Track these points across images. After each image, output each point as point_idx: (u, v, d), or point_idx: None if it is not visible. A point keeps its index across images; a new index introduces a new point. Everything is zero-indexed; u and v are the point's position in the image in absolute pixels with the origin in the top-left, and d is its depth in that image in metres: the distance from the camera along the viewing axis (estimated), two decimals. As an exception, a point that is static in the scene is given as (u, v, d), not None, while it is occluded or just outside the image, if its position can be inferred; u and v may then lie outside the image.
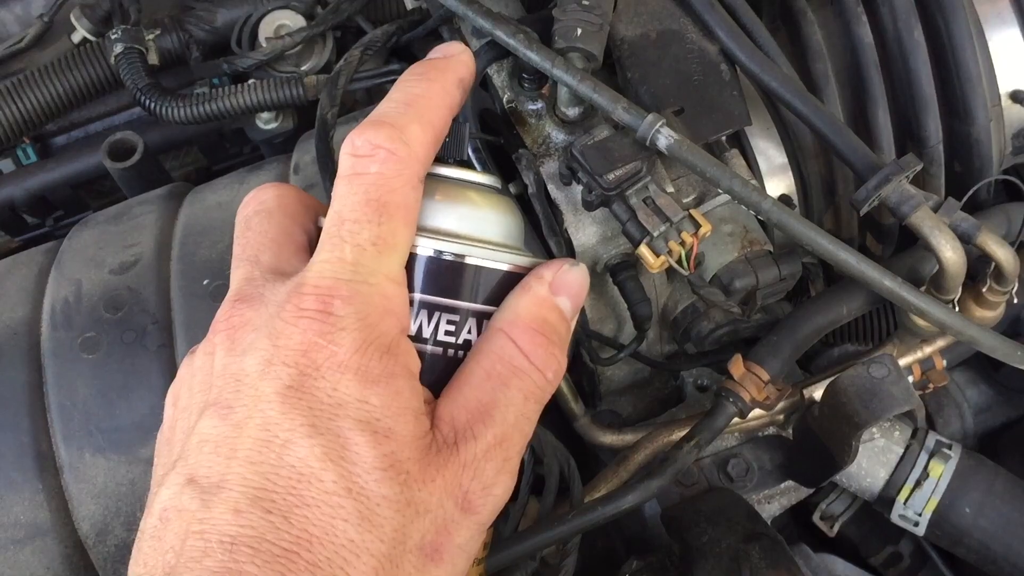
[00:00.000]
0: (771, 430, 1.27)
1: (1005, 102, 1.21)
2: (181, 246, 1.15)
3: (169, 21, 1.37)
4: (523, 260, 0.78)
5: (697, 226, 1.05)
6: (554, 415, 1.24)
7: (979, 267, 1.13)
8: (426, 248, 0.73)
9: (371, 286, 0.68)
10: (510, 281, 0.77)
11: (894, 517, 1.24)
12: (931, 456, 1.22)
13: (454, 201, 0.77)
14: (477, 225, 0.77)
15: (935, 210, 1.03)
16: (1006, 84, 1.21)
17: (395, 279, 0.70)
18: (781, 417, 1.24)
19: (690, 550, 1.09)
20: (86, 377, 1.08)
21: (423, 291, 0.73)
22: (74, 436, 1.07)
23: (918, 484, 1.22)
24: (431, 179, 0.77)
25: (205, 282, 1.11)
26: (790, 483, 1.29)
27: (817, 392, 1.20)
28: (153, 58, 1.33)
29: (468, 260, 0.74)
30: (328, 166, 1.13)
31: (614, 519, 1.05)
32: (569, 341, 0.79)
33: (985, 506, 1.21)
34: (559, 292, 0.76)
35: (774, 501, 1.31)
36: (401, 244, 0.70)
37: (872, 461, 1.24)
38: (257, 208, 0.80)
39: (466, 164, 0.82)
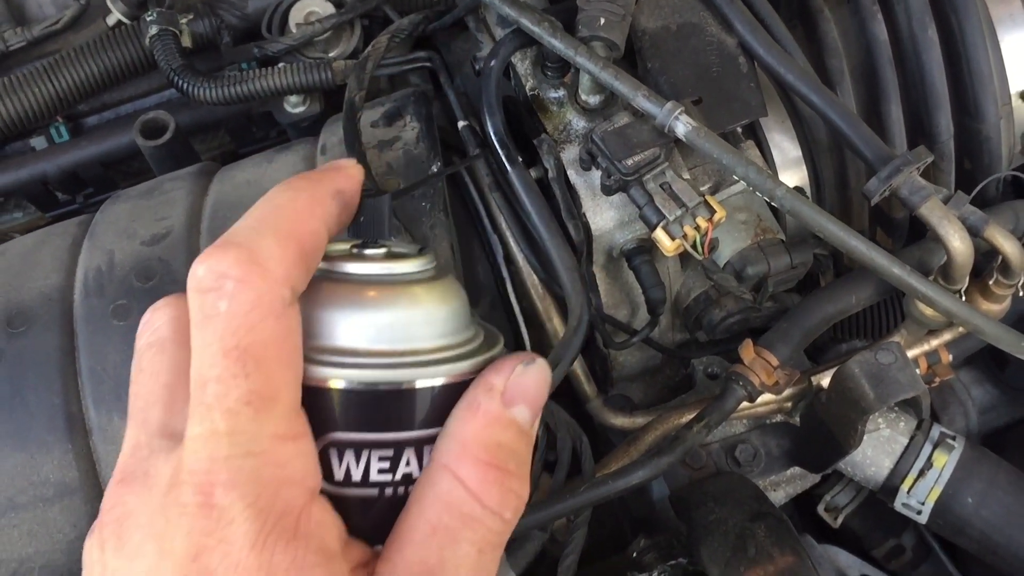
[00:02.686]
0: (779, 417, 1.30)
1: (1015, 101, 1.24)
2: (210, 220, 1.18)
3: (202, 6, 1.41)
4: (464, 366, 0.63)
5: (712, 212, 1.08)
6: (567, 396, 1.27)
7: (986, 262, 1.16)
8: (336, 379, 0.60)
9: (256, 456, 0.56)
10: (452, 394, 0.63)
11: (897, 505, 1.27)
12: (935, 447, 1.25)
13: (365, 307, 0.62)
14: (399, 332, 0.62)
15: (945, 203, 1.07)
16: (1017, 84, 1.24)
17: (287, 435, 0.58)
18: (789, 404, 1.27)
19: (697, 528, 1.12)
20: (117, 343, 1.11)
21: (343, 429, 0.60)
22: (104, 400, 1.10)
23: (922, 474, 1.24)
24: (333, 282, 0.64)
25: (233, 255, 1.14)
26: (796, 470, 1.32)
27: (825, 380, 1.23)
28: (186, 41, 1.36)
29: (392, 383, 0.61)
30: (356, 147, 1.17)
31: (623, 494, 1.08)
32: (532, 460, 0.66)
33: (987, 497, 1.23)
34: (514, 401, 0.63)
35: (780, 489, 1.34)
36: (283, 391, 0.58)
37: (877, 450, 1.26)
38: (150, 340, 0.68)
39: (389, 248, 0.69)
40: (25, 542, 1.09)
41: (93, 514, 1.10)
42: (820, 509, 1.46)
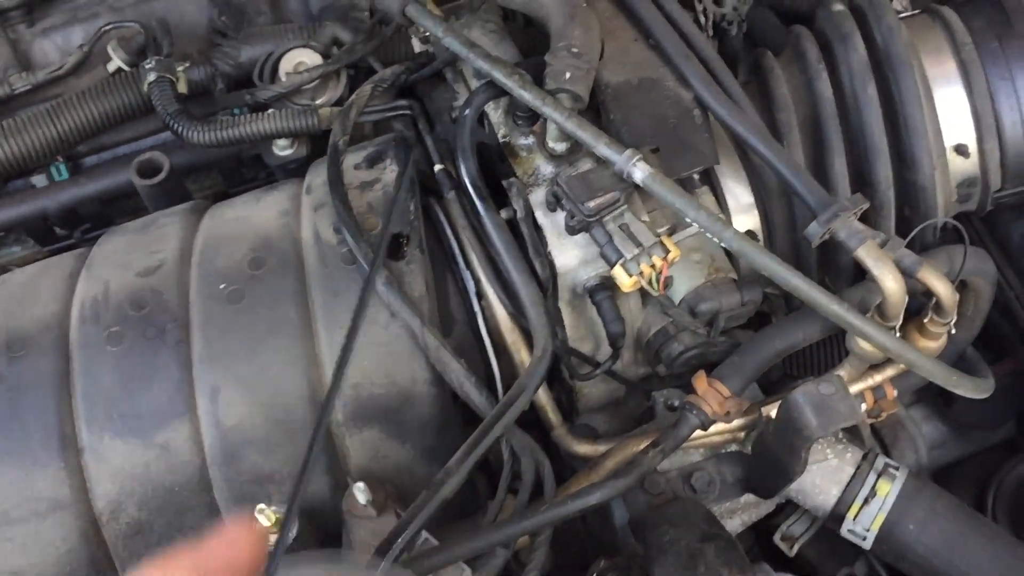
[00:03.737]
0: (733, 447, 1.37)
1: (950, 154, 1.34)
2: (201, 253, 1.27)
3: (198, 55, 1.51)
4: None
5: (667, 251, 1.17)
6: (535, 426, 1.34)
7: (924, 302, 1.25)
8: None
9: None
10: None
11: (844, 532, 1.33)
12: (879, 476, 1.32)
13: None
14: None
15: (882, 246, 1.16)
16: (951, 138, 1.34)
17: None
18: (742, 434, 1.35)
19: (652, 548, 1.18)
20: (110, 367, 1.19)
21: None
22: (96, 420, 1.17)
23: (867, 501, 1.31)
24: None
25: (222, 286, 1.23)
26: (751, 498, 1.39)
27: (774, 411, 1.30)
28: (182, 87, 1.46)
29: None
30: (338, 188, 1.26)
31: (582, 513, 1.15)
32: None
33: (928, 523, 1.30)
34: None
35: (736, 516, 1.41)
36: None
37: (825, 479, 1.34)
38: None
39: None
40: (18, 555, 1.16)
41: (83, 530, 1.18)
42: (776, 538, 1.53)
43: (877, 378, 1.36)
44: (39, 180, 1.55)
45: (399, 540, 1.06)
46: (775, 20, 1.66)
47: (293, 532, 1.14)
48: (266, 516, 1.10)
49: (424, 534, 1.12)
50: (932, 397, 1.65)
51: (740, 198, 1.36)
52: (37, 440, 1.16)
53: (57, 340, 1.21)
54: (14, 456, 1.16)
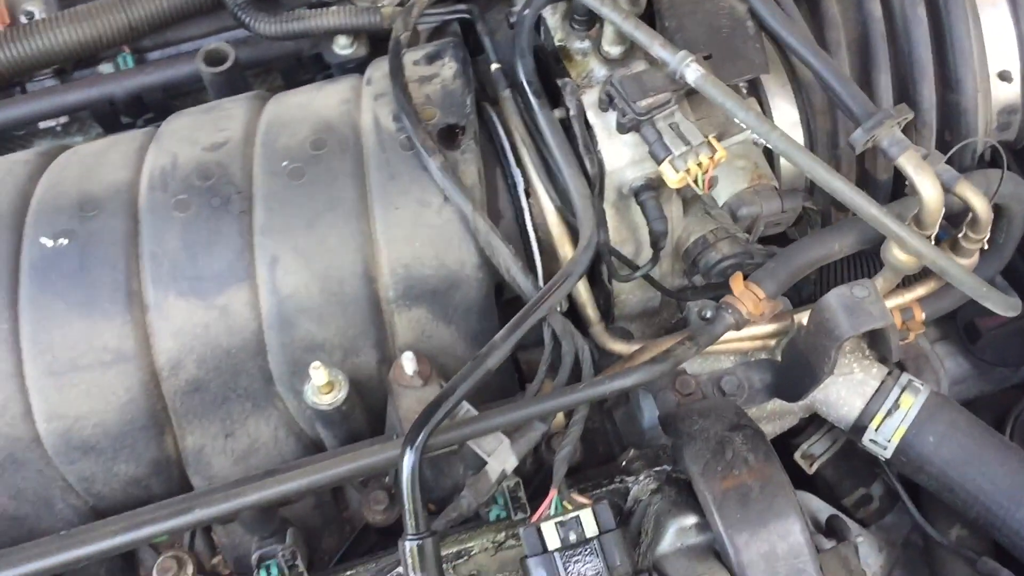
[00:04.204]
0: (763, 354, 1.42)
1: (994, 80, 1.37)
2: (265, 133, 1.33)
3: (266, -45, 1.56)
4: None
5: (714, 151, 1.22)
6: (571, 322, 1.40)
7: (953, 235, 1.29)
8: None
9: None
10: None
11: (865, 442, 1.38)
12: (903, 390, 1.36)
13: None
14: None
15: (923, 158, 1.20)
16: (995, 64, 1.37)
17: None
18: (772, 342, 1.40)
19: (681, 436, 1.24)
20: (176, 231, 1.25)
21: None
22: (161, 280, 1.23)
23: (889, 414, 1.35)
24: None
25: (284, 163, 1.29)
26: (776, 406, 1.44)
27: (805, 318, 1.35)
28: (251, -20, 1.51)
29: None
30: (399, 77, 1.32)
31: (618, 393, 1.20)
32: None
33: (947, 438, 1.34)
34: None
35: (761, 425, 1.45)
36: None
37: (850, 392, 1.38)
38: None
39: None
40: (82, 401, 1.23)
41: (144, 382, 1.24)
42: (796, 456, 1.58)
43: (907, 297, 1.41)
44: (106, 69, 1.60)
45: (442, 406, 1.11)
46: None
47: (343, 395, 1.20)
48: (320, 374, 1.17)
49: (465, 404, 1.18)
50: (957, 335, 1.70)
51: (786, 115, 1.41)
52: (105, 294, 1.23)
53: (127, 204, 1.28)
54: (83, 307, 1.22)
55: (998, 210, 1.35)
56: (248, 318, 1.24)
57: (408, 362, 1.20)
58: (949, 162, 1.23)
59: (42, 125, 1.64)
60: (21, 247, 1.25)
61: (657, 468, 1.27)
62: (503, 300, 1.38)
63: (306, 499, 1.31)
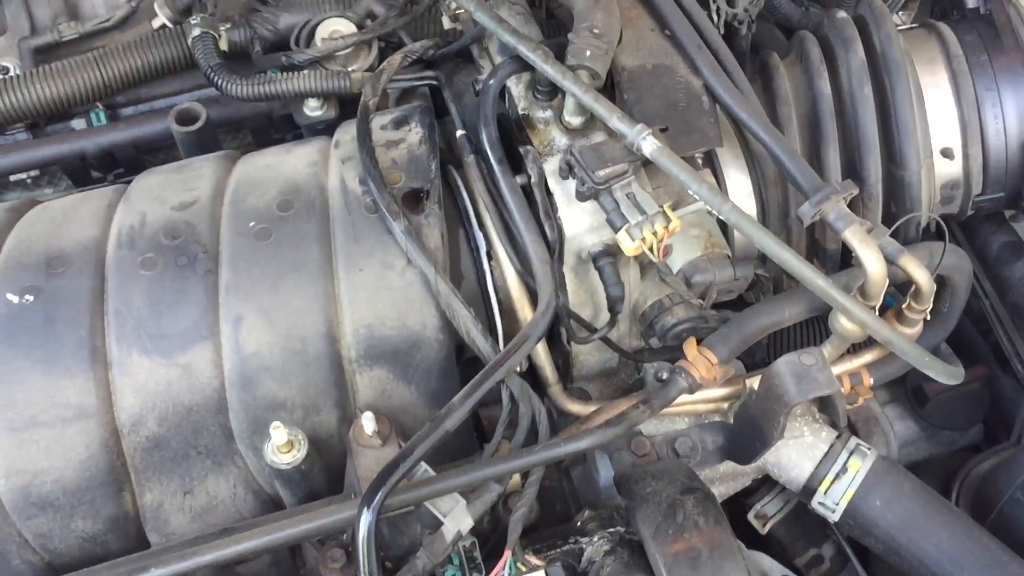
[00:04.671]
0: (716, 417, 1.46)
1: (936, 157, 1.44)
2: (233, 193, 1.35)
3: (239, 18, 1.60)
4: None
5: (668, 221, 1.26)
6: (530, 382, 1.42)
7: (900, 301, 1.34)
8: None
9: None
10: None
11: (814, 504, 1.41)
12: (851, 454, 1.40)
13: None
14: None
15: (868, 232, 1.25)
16: (939, 141, 1.44)
17: None
18: (725, 405, 1.44)
19: (635, 498, 1.26)
20: (142, 290, 1.27)
21: None
22: (125, 337, 1.25)
23: (837, 477, 1.39)
24: None
25: (251, 224, 1.31)
26: (729, 468, 1.47)
27: (756, 383, 1.39)
28: (223, 45, 1.55)
29: None
30: (366, 142, 1.35)
31: (572, 456, 1.23)
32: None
33: (893, 502, 1.38)
34: None
35: (715, 486, 1.49)
36: None
37: (800, 455, 1.41)
38: None
39: None
40: (41, 457, 1.23)
41: (104, 440, 1.25)
42: (750, 516, 1.61)
43: (855, 363, 1.45)
44: (79, 124, 1.63)
45: (400, 467, 1.13)
46: (780, 35, 1.77)
47: (302, 454, 1.22)
48: (280, 433, 1.19)
49: (423, 465, 1.20)
50: (906, 398, 1.74)
51: (740, 185, 1.46)
52: (69, 351, 1.24)
53: (94, 261, 1.29)
54: (46, 364, 1.23)
55: (941, 281, 1.41)
56: (210, 376, 1.26)
57: (368, 422, 1.22)
58: (894, 235, 1.28)
59: (12, 178, 1.66)
60: (-13, 303, 1.27)
61: (611, 529, 1.29)
62: (463, 359, 1.41)
63: (263, 556, 1.32)
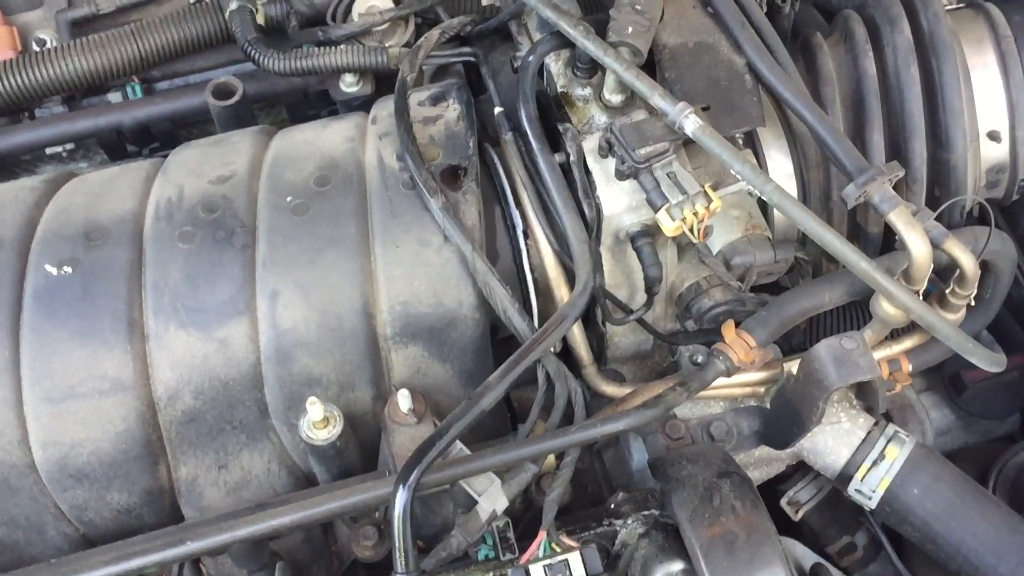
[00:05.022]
0: (752, 401, 1.44)
1: (983, 139, 1.41)
2: (271, 168, 1.35)
3: (276, -8, 1.60)
4: None
5: (709, 201, 1.25)
6: (564, 363, 1.41)
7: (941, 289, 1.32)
8: None
9: None
10: None
11: (850, 491, 1.40)
12: (889, 441, 1.39)
13: None
14: None
15: (912, 214, 1.23)
16: (985, 124, 1.41)
17: None
18: (762, 389, 1.42)
19: (670, 481, 1.25)
20: (179, 263, 1.27)
21: None
22: (163, 310, 1.25)
23: (875, 464, 1.38)
24: None
25: (288, 199, 1.31)
26: (764, 453, 1.46)
27: (795, 367, 1.37)
28: (260, 20, 1.54)
29: None
30: (404, 118, 1.34)
31: (608, 437, 1.22)
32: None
33: (931, 490, 1.36)
34: None
35: (748, 471, 1.47)
36: None
37: (837, 441, 1.40)
38: None
39: None
40: (79, 429, 1.24)
41: (140, 412, 1.26)
42: (782, 502, 1.60)
43: (895, 348, 1.43)
44: (115, 97, 1.63)
45: (436, 445, 1.13)
46: (819, 16, 1.74)
47: (338, 430, 1.22)
48: (317, 409, 1.18)
49: (458, 444, 1.19)
50: (943, 386, 1.72)
51: (781, 166, 1.44)
52: (106, 323, 1.24)
53: (132, 234, 1.29)
54: (84, 336, 1.24)
55: (985, 266, 1.38)
56: (247, 351, 1.26)
57: (403, 399, 1.22)
58: (938, 219, 1.26)
59: (48, 151, 1.66)
60: (25, 274, 1.27)
61: (645, 512, 1.28)
62: (497, 338, 1.40)
63: (296, 532, 1.32)
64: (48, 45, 1.66)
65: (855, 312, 1.60)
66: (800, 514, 1.60)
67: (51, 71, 1.56)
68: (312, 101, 1.66)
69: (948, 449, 1.71)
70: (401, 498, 1.08)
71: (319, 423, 1.20)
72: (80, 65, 1.56)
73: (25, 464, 1.23)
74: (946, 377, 1.70)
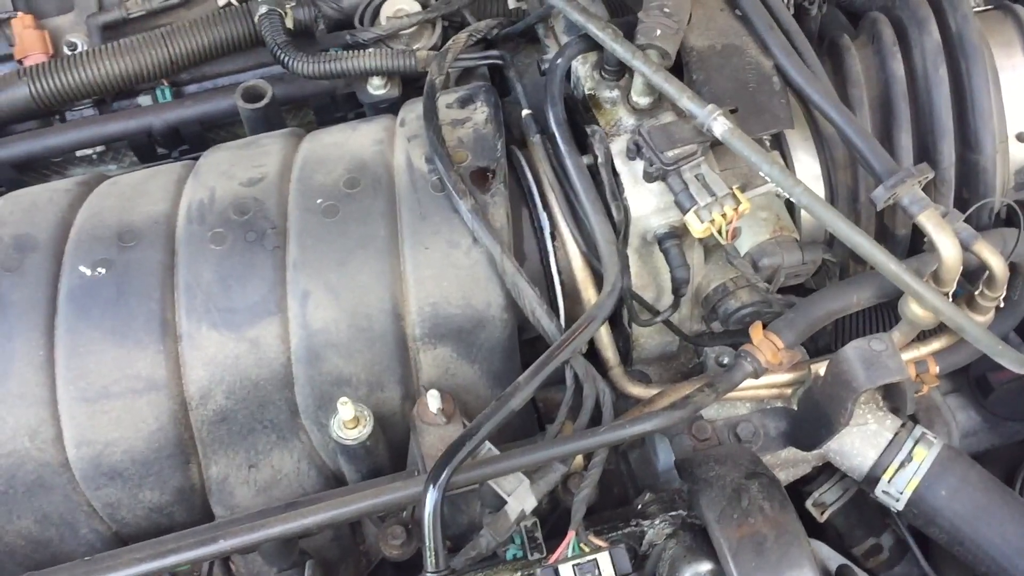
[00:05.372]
0: (779, 402, 1.45)
1: (1012, 141, 1.41)
2: (300, 170, 1.36)
3: (304, -4, 1.61)
4: None
5: (738, 203, 1.25)
6: (590, 362, 1.42)
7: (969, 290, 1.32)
8: None
9: None
10: None
11: (878, 493, 1.40)
12: (916, 443, 1.38)
13: None
14: None
15: (942, 216, 1.23)
16: (1014, 126, 1.41)
17: None
18: (788, 390, 1.42)
19: (697, 482, 1.26)
20: (211, 264, 1.28)
21: None
22: (195, 311, 1.26)
23: (902, 466, 1.37)
24: None
25: (319, 201, 1.32)
26: (791, 454, 1.46)
27: (823, 369, 1.37)
28: (289, 23, 1.56)
29: None
30: (433, 120, 1.35)
31: (637, 437, 1.22)
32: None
33: (959, 492, 1.35)
34: None
35: (775, 473, 1.48)
36: None
37: (864, 443, 1.40)
38: None
39: None
40: (112, 428, 1.25)
41: (173, 411, 1.27)
42: (808, 504, 1.60)
43: (923, 351, 1.43)
44: (144, 100, 1.65)
45: (466, 445, 1.13)
46: (843, 18, 1.74)
47: (368, 430, 1.23)
48: (348, 409, 1.19)
49: (487, 444, 1.20)
50: (969, 388, 1.71)
51: (808, 168, 1.44)
52: (140, 323, 1.26)
53: (164, 235, 1.31)
54: (118, 336, 1.25)
55: (1014, 268, 1.38)
56: (278, 351, 1.27)
57: (432, 400, 1.22)
58: (967, 221, 1.26)
59: (79, 153, 1.68)
60: (60, 275, 1.29)
61: (673, 513, 1.28)
62: (523, 339, 1.40)
63: (325, 531, 1.33)
64: (79, 49, 1.68)
65: (882, 313, 1.60)
66: (826, 516, 1.60)
67: (82, 75, 1.57)
68: (340, 103, 1.67)
69: (975, 451, 1.70)
70: (432, 498, 1.09)
71: (349, 423, 1.21)
72: (111, 69, 1.58)
73: (59, 463, 1.25)
74: (972, 379, 1.70)
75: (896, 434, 1.39)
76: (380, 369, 1.29)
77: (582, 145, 1.38)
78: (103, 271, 1.28)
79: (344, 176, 1.34)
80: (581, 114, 1.41)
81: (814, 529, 1.59)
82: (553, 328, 1.27)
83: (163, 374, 1.25)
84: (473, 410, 1.31)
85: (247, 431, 1.29)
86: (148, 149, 1.66)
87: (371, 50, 1.50)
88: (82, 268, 1.28)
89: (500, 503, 1.20)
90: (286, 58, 1.49)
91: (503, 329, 1.31)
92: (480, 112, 1.41)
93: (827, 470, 1.57)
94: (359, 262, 1.28)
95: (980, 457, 1.69)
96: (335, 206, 1.31)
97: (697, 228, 1.24)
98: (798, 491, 1.59)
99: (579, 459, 1.29)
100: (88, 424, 1.24)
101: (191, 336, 1.26)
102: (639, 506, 1.36)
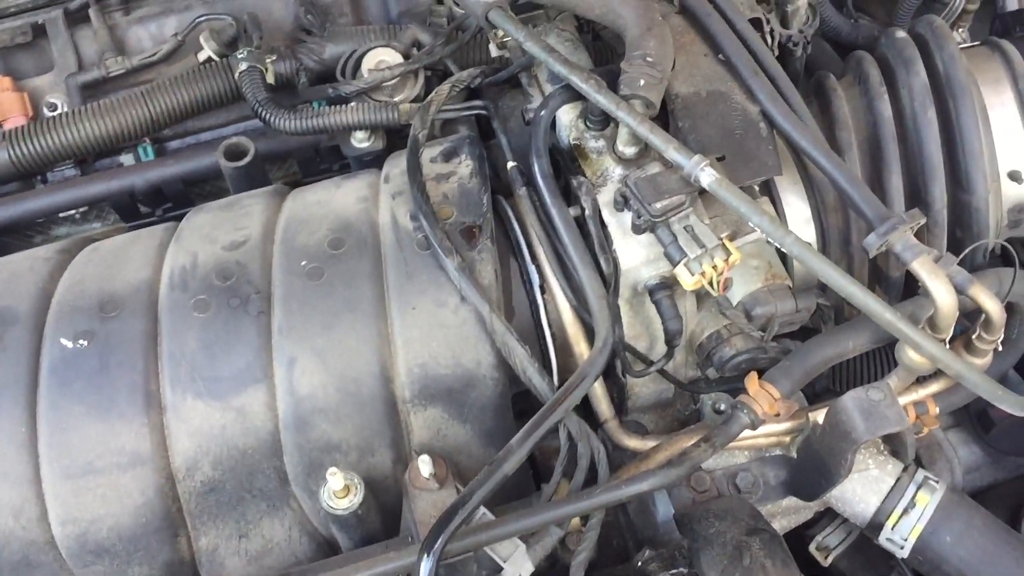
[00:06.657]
0: (777, 451, 1.42)
1: (1003, 180, 1.39)
2: (284, 231, 1.34)
3: (284, 49, 1.60)
4: None
5: (728, 254, 1.23)
6: (586, 419, 1.40)
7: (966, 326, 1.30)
8: None
9: None
10: None
11: (882, 540, 1.37)
12: (919, 488, 1.36)
13: None
14: None
15: (935, 262, 1.21)
16: (1005, 164, 1.39)
17: None
18: (787, 439, 1.40)
19: (698, 539, 1.23)
20: (195, 332, 1.26)
21: None
22: (180, 381, 1.24)
23: (905, 512, 1.35)
24: None
25: (303, 263, 1.30)
26: (791, 502, 1.44)
27: (821, 416, 1.35)
28: (270, 78, 1.54)
29: None
30: (417, 177, 1.33)
31: (633, 499, 1.20)
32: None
33: (964, 537, 1.33)
34: None
35: (776, 520, 1.46)
36: None
37: (866, 489, 1.38)
38: None
39: None
40: (98, 504, 1.22)
41: (160, 485, 1.24)
42: (812, 548, 1.57)
43: (921, 393, 1.41)
44: (126, 159, 1.63)
45: (459, 512, 1.11)
46: (830, 49, 1.73)
47: (359, 499, 1.20)
48: (337, 479, 1.17)
49: (482, 509, 1.17)
50: (970, 423, 1.69)
51: (799, 211, 1.42)
52: (123, 396, 1.23)
53: (147, 304, 1.29)
54: (101, 410, 1.23)
55: (1010, 308, 1.36)
56: (265, 419, 1.24)
57: (424, 465, 1.20)
58: (961, 262, 1.24)
59: (62, 213, 1.66)
60: (41, 348, 1.26)
61: (673, 571, 1.26)
62: (515, 391, 1.38)
63: (318, 600, 1.31)
64: (59, 109, 1.66)
65: (880, 353, 1.58)
66: (830, 559, 1.57)
67: (62, 137, 1.56)
68: (324, 156, 1.65)
69: (977, 486, 1.68)
70: (426, 567, 1.07)
71: (339, 492, 1.19)
72: (92, 130, 1.56)
73: (45, 541, 1.22)
74: (973, 414, 1.67)
75: (898, 479, 1.37)
76: (370, 433, 1.26)
77: (568, 193, 1.36)
78: (85, 343, 1.25)
79: (328, 236, 1.32)
80: (567, 164, 1.39)
81: (818, 572, 1.57)
82: (545, 387, 1.25)
83: (148, 447, 1.23)
84: (466, 471, 1.29)
85: (236, 501, 1.26)
86: (131, 208, 1.64)
87: (353, 104, 1.48)
88: (63, 340, 1.26)
89: (497, 569, 1.17)
90: (268, 116, 1.48)
91: (494, 387, 1.29)
92: (465, 166, 1.39)
93: (830, 512, 1.54)
94: (346, 325, 1.26)
95: (983, 492, 1.68)
96: (320, 268, 1.29)
97: (688, 281, 1.22)
98: (801, 534, 1.56)
99: (576, 519, 1.26)
100: (73, 501, 1.22)
101: (176, 407, 1.24)
102: (639, 563, 1.33)
